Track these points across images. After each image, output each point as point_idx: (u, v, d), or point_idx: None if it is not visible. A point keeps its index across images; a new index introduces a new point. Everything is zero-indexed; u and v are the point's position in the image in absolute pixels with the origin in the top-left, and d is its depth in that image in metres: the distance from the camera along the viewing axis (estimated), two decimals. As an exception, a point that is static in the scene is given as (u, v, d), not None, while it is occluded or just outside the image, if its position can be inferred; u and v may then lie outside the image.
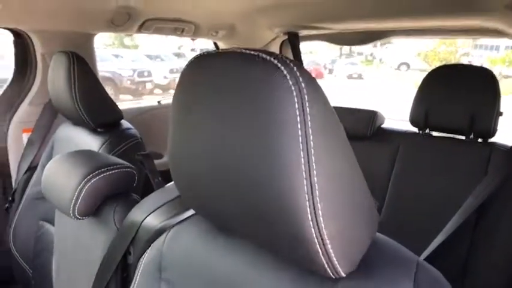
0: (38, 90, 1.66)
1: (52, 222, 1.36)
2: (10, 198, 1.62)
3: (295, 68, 0.41)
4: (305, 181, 0.39)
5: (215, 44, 2.22)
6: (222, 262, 0.58)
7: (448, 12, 1.36)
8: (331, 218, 0.41)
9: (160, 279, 0.66)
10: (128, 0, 1.51)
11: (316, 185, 0.40)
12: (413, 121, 1.51)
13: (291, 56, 2.12)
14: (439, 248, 1.27)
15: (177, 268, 0.64)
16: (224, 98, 0.44)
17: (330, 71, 19.49)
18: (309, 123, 0.39)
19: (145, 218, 0.75)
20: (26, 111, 1.66)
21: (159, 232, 0.70)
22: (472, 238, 1.31)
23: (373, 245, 0.51)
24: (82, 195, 0.85)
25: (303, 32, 1.99)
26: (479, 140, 1.42)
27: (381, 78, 17.99)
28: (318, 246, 0.41)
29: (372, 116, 1.66)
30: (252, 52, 0.43)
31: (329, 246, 0.42)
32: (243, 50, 0.44)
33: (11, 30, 1.59)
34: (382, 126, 1.70)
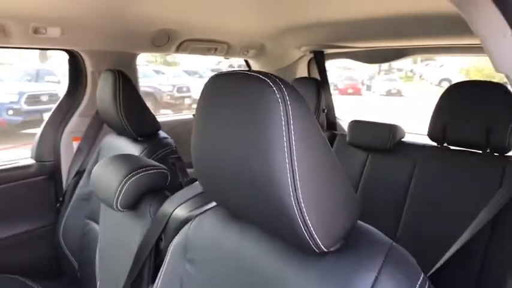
0: (87, 104, 1.87)
1: (97, 221, 1.54)
2: (61, 199, 1.82)
3: (283, 86, 0.53)
4: (288, 168, 0.51)
5: (246, 61, 2.38)
6: (234, 242, 0.70)
7: (462, 32, 1.44)
8: (311, 199, 0.52)
9: (185, 260, 0.78)
10: (168, 23, 1.70)
11: (297, 171, 0.51)
12: (431, 135, 1.57)
13: (316, 73, 2.24)
14: (454, 256, 1.33)
15: (199, 249, 0.76)
16: (230, 109, 0.57)
17: (368, 87, 19.32)
18: (292, 126, 0.51)
19: (174, 210, 0.88)
20: (77, 122, 1.87)
21: (186, 221, 0.84)
22: (487, 247, 1.36)
23: (356, 229, 0.61)
24: (123, 190, 1.00)
25: (329, 50, 2.11)
26: (496, 154, 1.46)
27: (421, 95, 17.61)
28: (299, 222, 0.53)
29: (392, 129, 1.74)
30: (252, 73, 0.56)
31: (309, 222, 0.53)
32: (247, 72, 0.58)
33: (67, 51, 1.81)
34: (403, 139, 1.77)
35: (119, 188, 1.00)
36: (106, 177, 1.05)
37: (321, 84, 2.10)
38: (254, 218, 0.63)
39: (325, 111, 2.14)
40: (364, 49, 1.98)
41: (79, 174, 1.82)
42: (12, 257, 1.73)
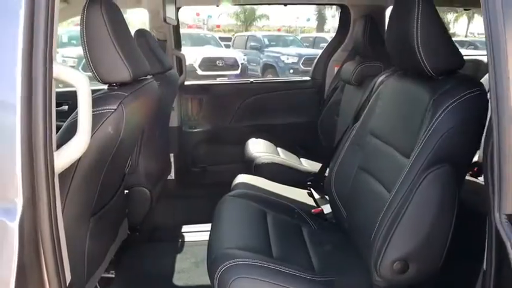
0: (348, 41, 2.77)
1: (338, 115, 2.43)
2: (323, 102, 2.82)
3: None
4: (415, 33, 1.17)
5: None
6: (400, 86, 1.40)
7: None
8: (426, 47, 1.17)
9: (377, 100, 1.53)
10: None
11: (419, 36, 1.17)
12: None
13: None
14: None
15: (385, 93, 1.49)
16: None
17: None
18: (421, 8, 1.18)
19: (379, 78, 1.64)
20: (339, 54, 2.82)
21: (381, 83, 1.58)
22: None
23: (458, 74, 1.21)
24: (355, 73, 1.85)
25: None
26: None
27: None
28: (418, 54, 1.18)
29: None
30: None
31: (422, 54, 1.18)
32: None
33: (341, 5, 2.74)
34: None
35: (352, 71, 1.85)
36: (347, 66, 1.93)
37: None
38: (403, 65, 1.33)
39: None
40: None
41: (335, 89, 2.74)
42: None
